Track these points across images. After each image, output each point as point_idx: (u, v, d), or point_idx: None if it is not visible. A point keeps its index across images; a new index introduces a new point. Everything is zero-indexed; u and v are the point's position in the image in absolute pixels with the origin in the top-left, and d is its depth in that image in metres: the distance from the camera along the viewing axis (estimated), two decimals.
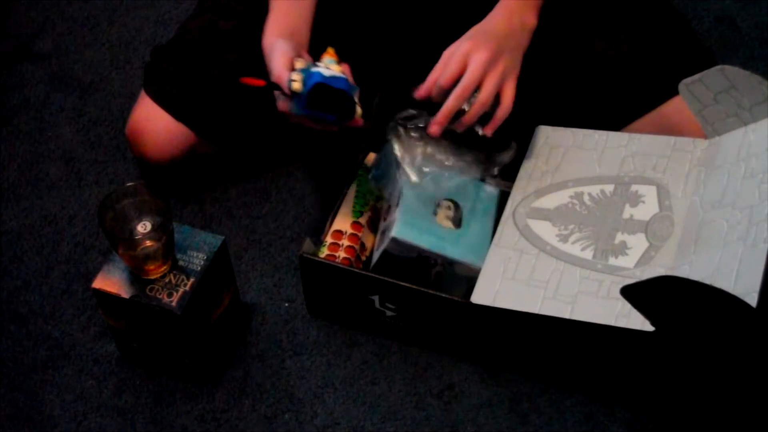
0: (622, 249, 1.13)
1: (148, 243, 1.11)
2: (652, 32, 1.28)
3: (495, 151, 1.27)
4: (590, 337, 1.12)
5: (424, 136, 1.25)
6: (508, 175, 1.29)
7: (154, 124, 1.33)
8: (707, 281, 1.00)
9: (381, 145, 1.31)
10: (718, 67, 1.13)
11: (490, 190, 1.29)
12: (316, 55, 1.19)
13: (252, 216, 1.41)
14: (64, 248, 1.38)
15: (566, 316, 1.09)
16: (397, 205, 1.24)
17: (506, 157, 1.27)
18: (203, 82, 1.32)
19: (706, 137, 1.18)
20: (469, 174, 1.26)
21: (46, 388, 1.25)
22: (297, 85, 1.13)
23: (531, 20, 1.20)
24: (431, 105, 1.27)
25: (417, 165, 1.28)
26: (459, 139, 1.25)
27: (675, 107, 1.23)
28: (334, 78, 1.13)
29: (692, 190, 1.15)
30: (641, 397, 1.20)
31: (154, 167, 1.36)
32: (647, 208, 1.16)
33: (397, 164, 1.29)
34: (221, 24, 1.34)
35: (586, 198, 1.20)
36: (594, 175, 1.22)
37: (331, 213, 1.29)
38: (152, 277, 1.14)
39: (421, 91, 1.17)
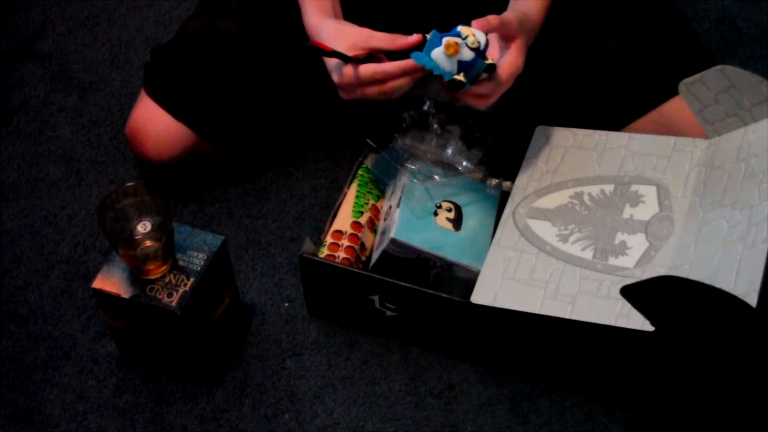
0: (622, 249, 1.13)
1: (148, 243, 1.11)
2: (652, 32, 1.28)
3: (475, 141, 1.28)
4: (590, 337, 1.12)
5: (412, 128, 1.26)
6: (508, 175, 1.29)
7: (154, 124, 1.33)
8: (707, 281, 1.00)
9: (383, 146, 1.31)
10: (718, 67, 1.13)
11: (491, 191, 1.29)
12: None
13: (252, 216, 1.41)
14: (64, 248, 1.38)
15: (566, 316, 1.09)
16: (398, 205, 1.24)
17: (485, 145, 1.28)
18: (203, 81, 1.32)
19: (706, 137, 1.18)
20: (452, 165, 1.27)
21: (46, 388, 1.25)
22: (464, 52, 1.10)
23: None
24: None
25: (418, 166, 1.28)
26: (441, 131, 1.27)
27: (675, 107, 1.23)
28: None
29: (692, 190, 1.15)
30: (641, 397, 1.20)
31: (154, 167, 1.36)
32: (647, 208, 1.16)
33: (399, 165, 1.29)
34: (221, 24, 1.34)
35: (586, 198, 1.20)
36: (594, 175, 1.22)
37: (331, 213, 1.29)
38: (152, 277, 1.14)
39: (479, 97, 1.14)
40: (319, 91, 1.41)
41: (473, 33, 1.10)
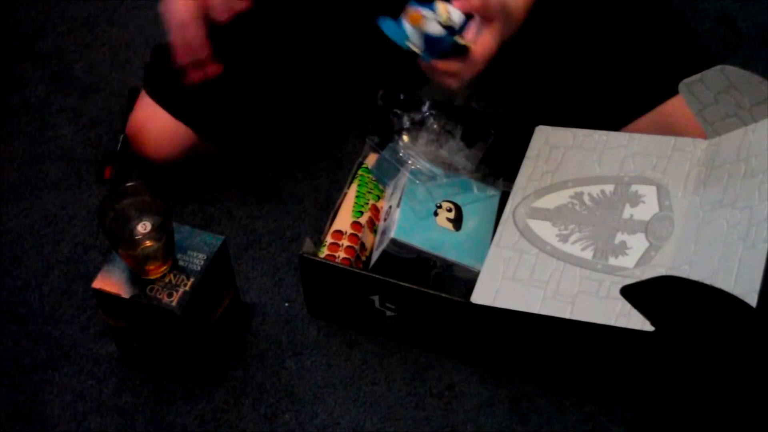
0: (622, 249, 1.13)
1: (148, 243, 1.11)
2: (651, 31, 1.28)
3: (475, 141, 1.28)
4: (590, 337, 1.12)
5: (411, 128, 1.26)
6: (508, 175, 1.29)
7: (154, 123, 1.33)
8: (707, 281, 1.00)
9: (383, 146, 1.32)
10: (718, 67, 1.13)
11: (491, 191, 1.29)
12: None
13: (252, 216, 1.41)
14: (64, 248, 1.38)
15: (566, 316, 1.09)
16: (398, 205, 1.24)
17: (485, 145, 1.27)
18: (203, 81, 1.32)
19: (706, 137, 1.18)
20: (452, 165, 1.27)
21: (46, 388, 1.25)
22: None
23: None
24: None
25: (418, 166, 1.28)
26: (441, 131, 1.27)
27: (675, 107, 1.23)
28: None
29: (692, 190, 1.15)
30: (641, 397, 1.20)
31: (154, 167, 1.36)
32: (647, 208, 1.16)
33: (399, 165, 1.29)
34: (221, 24, 1.34)
35: (586, 198, 1.20)
36: (594, 175, 1.22)
37: (331, 213, 1.29)
38: (152, 277, 1.14)
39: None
40: (319, 91, 1.42)
41: (448, 10, 1.08)
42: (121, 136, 1.41)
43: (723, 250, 1.03)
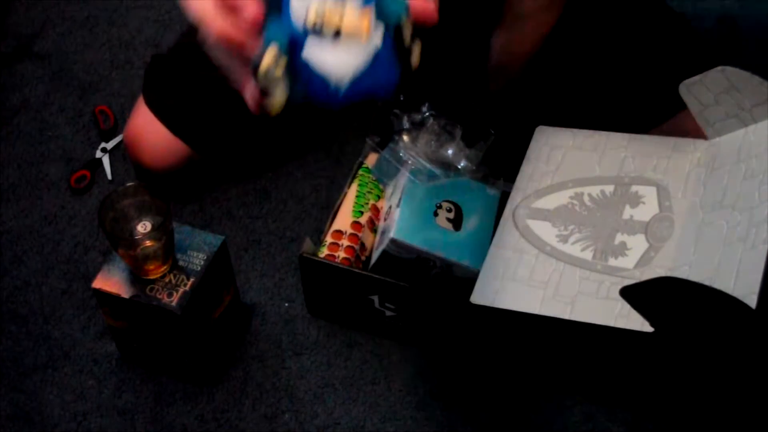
0: (621, 250, 1.13)
1: (148, 243, 1.11)
2: (659, 48, 1.28)
3: (475, 141, 1.28)
4: (590, 338, 1.12)
5: (411, 128, 1.26)
6: (508, 175, 1.29)
7: (151, 134, 1.32)
8: (707, 282, 1.00)
9: (383, 146, 1.32)
10: (719, 67, 1.13)
11: (491, 191, 1.29)
12: None
13: (252, 216, 1.41)
14: (64, 248, 1.38)
15: (566, 316, 1.09)
16: (398, 205, 1.24)
17: (485, 145, 1.27)
18: (203, 98, 1.31)
19: (706, 138, 1.18)
20: (452, 165, 1.27)
21: (46, 388, 1.25)
22: None
23: None
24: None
25: (418, 166, 1.28)
26: (441, 131, 1.27)
27: (676, 125, 1.23)
28: None
29: (692, 191, 1.15)
30: (642, 397, 1.20)
31: (151, 174, 1.35)
32: (647, 209, 1.16)
33: (399, 165, 1.29)
34: None
35: (586, 198, 1.20)
36: (594, 176, 1.22)
37: (331, 213, 1.29)
38: (152, 277, 1.14)
39: None
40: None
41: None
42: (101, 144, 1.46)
43: (723, 251, 1.03)
